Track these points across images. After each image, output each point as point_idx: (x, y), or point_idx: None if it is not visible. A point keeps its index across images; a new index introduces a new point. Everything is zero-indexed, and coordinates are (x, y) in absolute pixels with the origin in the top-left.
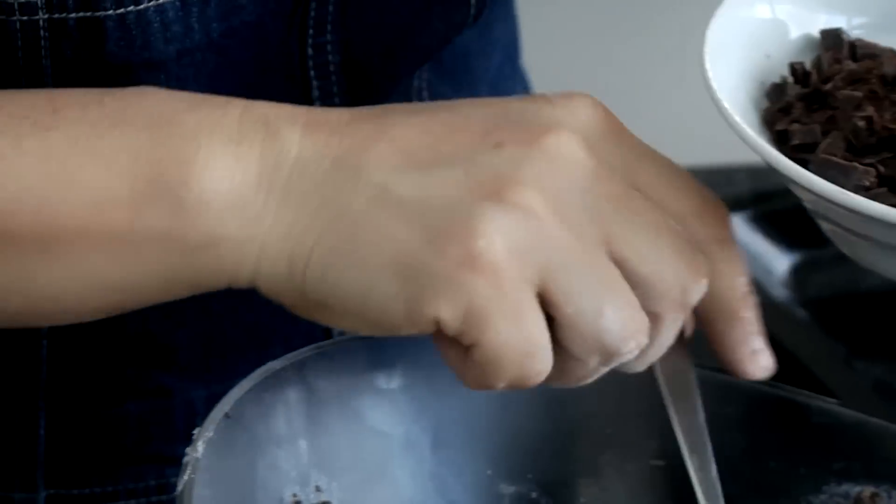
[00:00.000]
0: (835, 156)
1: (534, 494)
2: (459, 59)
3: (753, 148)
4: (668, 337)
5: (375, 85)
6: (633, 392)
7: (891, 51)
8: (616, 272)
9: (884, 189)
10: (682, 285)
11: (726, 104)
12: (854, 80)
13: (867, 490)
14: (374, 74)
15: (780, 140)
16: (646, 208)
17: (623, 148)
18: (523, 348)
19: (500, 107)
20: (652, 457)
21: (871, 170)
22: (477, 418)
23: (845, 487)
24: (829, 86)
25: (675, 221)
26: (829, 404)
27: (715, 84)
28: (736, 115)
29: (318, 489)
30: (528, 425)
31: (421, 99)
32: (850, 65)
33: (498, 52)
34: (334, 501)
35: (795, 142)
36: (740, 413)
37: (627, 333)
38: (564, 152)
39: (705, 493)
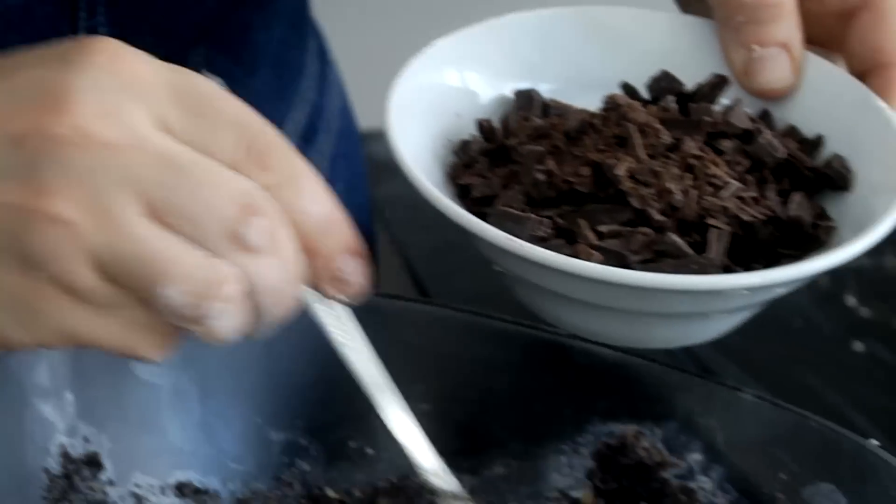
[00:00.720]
0: (513, 208)
1: (303, 441)
2: (238, 34)
3: (431, 200)
4: (266, 279)
5: None
6: (397, 337)
7: (581, 110)
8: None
9: (561, 241)
10: (223, 224)
11: (408, 160)
12: (539, 136)
13: (630, 428)
14: (149, 52)
15: (462, 194)
16: (181, 163)
17: (157, 92)
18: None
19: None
20: (419, 400)
21: (546, 220)
22: (244, 367)
23: (609, 426)
24: (513, 141)
25: (230, 166)
26: (591, 345)
27: (399, 142)
28: (417, 170)
29: (86, 440)
30: (295, 372)
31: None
32: (537, 121)
33: (281, 24)
34: (103, 452)
35: (475, 195)
36: (505, 356)
37: (189, 286)
38: (89, 130)
39: (399, 430)
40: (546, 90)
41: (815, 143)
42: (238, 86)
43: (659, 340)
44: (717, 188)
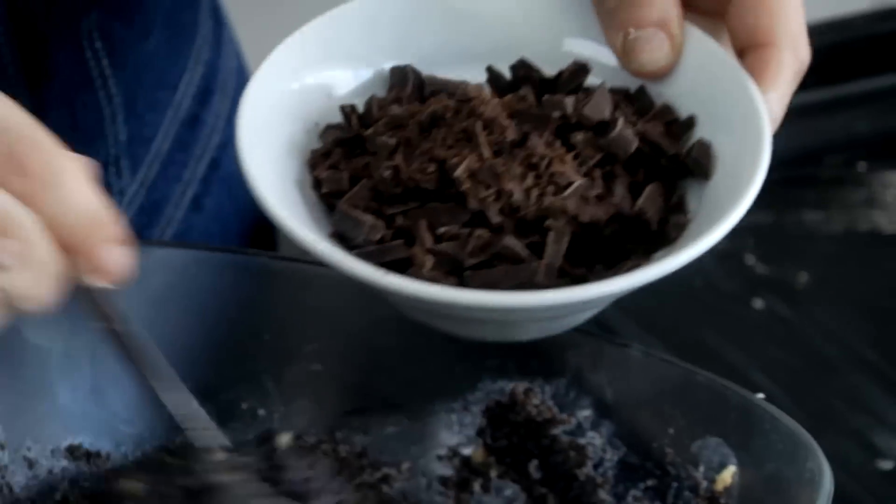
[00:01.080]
0: (357, 206)
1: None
2: None
3: (271, 217)
4: (20, 290)
5: (41, 32)
6: (288, 299)
7: (463, 83)
8: None
9: (400, 241)
10: None
11: (246, 156)
12: (395, 126)
13: (520, 385)
14: (40, 21)
15: (317, 186)
16: None
17: None
18: None
19: None
20: (310, 361)
21: (380, 223)
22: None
23: (500, 384)
24: (369, 131)
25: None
26: None
27: (245, 152)
28: (253, 165)
29: None
30: (185, 333)
31: (91, 40)
32: (395, 109)
33: None
34: None
35: (324, 190)
36: (396, 314)
37: None
38: None
39: (178, 414)
40: (424, 65)
41: (686, 125)
42: (132, 50)
43: (529, 334)
44: (560, 187)
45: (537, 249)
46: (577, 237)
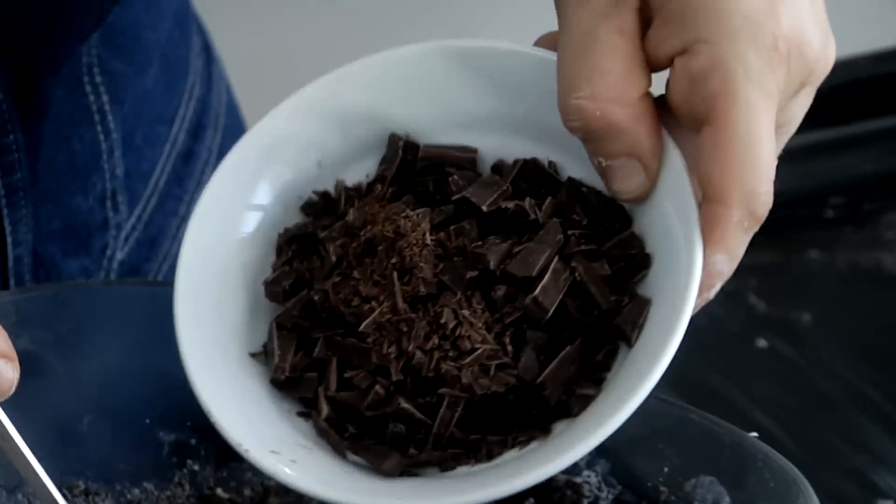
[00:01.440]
0: (285, 326)
1: (193, 441)
2: (129, 33)
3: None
4: None
5: (38, 68)
6: None
7: (462, 148)
8: None
9: (312, 375)
10: None
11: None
12: (346, 234)
13: None
14: (34, 58)
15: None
16: None
17: None
18: None
19: None
20: None
21: (285, 364)
22: (133, 367)
23: None
24: (323, 234)
25: None
26: None
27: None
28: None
29: None
30: (182, 372)
31: (92, 76)
32: (351, 215)
33: (167, 21)
34: None
35: (267, 291)
36: None
37: None
38: None
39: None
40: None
41: (640, 265)
42: (131, 85)
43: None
44: (462, 352)
45: (433, 411)
46: (475, 403)
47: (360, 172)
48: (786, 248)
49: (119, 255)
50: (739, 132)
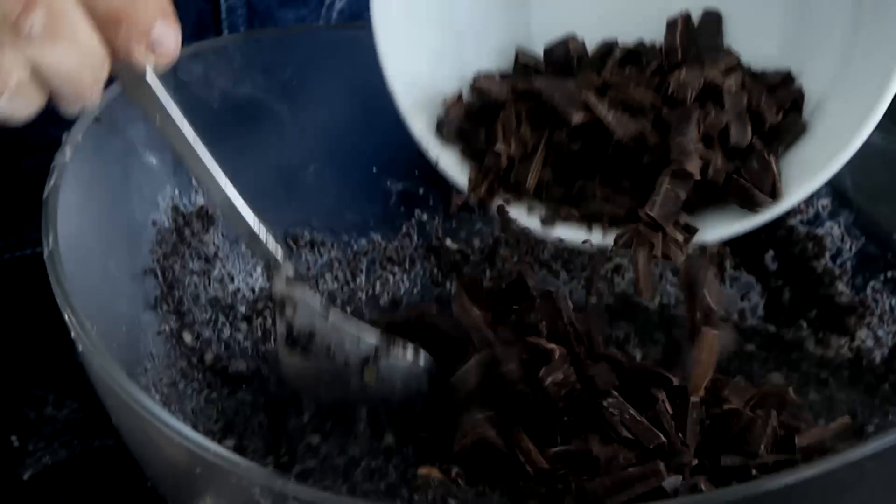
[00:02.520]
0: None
1: (421, 190)
2: None
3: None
4: (58, 66)
5: None
6: None
7: None
8: None
9: None
10: (4, 18)
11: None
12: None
13: None
14: None
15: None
16: None
17: None
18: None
19: None
20: None
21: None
22: (359, 114)
23: None
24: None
25: None
26: None
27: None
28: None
29: (197, 193)
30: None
31: None
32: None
33: None
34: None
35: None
36: None
37: None
38: None
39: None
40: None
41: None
42: None
43: None
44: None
45: None
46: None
47: None
48: None
49: (338, 4)
50: None
